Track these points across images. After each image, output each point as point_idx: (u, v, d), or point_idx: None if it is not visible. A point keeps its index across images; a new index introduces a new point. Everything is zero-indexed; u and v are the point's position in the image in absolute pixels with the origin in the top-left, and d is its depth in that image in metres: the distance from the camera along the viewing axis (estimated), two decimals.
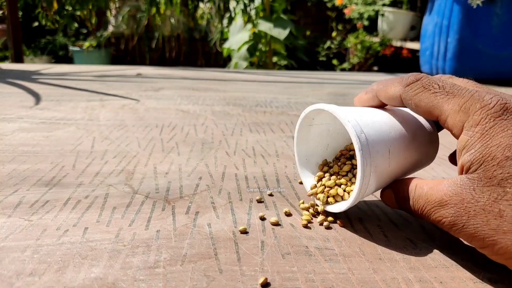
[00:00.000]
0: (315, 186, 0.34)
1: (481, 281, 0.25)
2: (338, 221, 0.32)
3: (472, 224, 0.23)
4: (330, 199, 0.32)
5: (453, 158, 0.33)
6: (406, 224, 0.32)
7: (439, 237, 0.30)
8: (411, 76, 0.28)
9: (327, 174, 0.34)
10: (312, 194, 0.33)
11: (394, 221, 0.33)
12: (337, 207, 0.31)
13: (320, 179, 0.34)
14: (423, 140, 0.31)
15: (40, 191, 0.36)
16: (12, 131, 0.56)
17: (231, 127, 0.63)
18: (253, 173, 0.43)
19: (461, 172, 0.25)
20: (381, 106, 0.32)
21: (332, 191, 0.32)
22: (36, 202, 0.34)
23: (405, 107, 0.30)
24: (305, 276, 0.25)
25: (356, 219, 0.33)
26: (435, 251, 0.28)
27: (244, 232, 0.30)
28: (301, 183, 0.40)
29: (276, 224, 0.31)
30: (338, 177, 0.33)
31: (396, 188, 0.30)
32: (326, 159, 0.35)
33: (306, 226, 0.31)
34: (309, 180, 0.35)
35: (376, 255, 0.27)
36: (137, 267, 0.25)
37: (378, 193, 0.38)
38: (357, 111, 0.30)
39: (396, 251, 0.28)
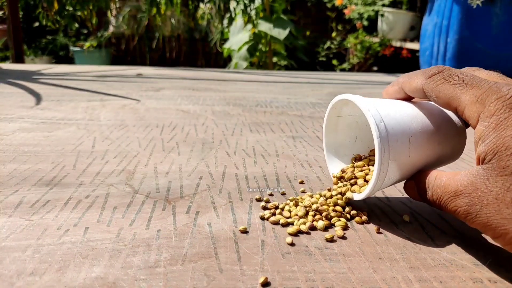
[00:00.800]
0: (340, 176, 0.35)
1: (481, 281, 0.25)
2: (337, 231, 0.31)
3: (485, 213, 0.24)
4: (354, 187, 0.33)
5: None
6: (406, 224, 0.32)
7: (439, 237, 0.30)
8: (434, 68, 0.29)
9: (354, 167, 0.35)
10: (335, 183, 0.35)
11: (394, 221, 0.33)
12: (357, 196, 0.32)
13: (344, 171, 0.35)
14: (448, 133, 0.31)
15: (41, 191, 0.36)
16: (13, 131, 0.57)
17: (231, 127, 0.63)
18: (253, 173, 0.43)
19: (478, 163, 0.25)
20: (407, 98, 0.32)
21: (353, 181, 0.33)
22: (37, 202, 0.34)
23: (429, 99, 0.30)
24: (305, 275, 0.25)
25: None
26: (435, 250, 0.28)
27: (244, 231, 0.30)
28: (301, 182, 0.40)
29: (276, 223, 0.31)
30: (364, 169, 0.34)
31: (418, 179, 0.30)
32: (359, 154, 0.36)
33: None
34: (335, 170, 0.36)
35: (376, 255, 0.27)
36: (137, 266, 0.25)
37: (377, 194, 0.38)
38: (380, 102, 0.30)
39: (396, 251, 0.28)
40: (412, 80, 0.30)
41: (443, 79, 0.27)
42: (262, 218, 0.32)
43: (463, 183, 0.25)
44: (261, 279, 0.24)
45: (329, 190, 0.35)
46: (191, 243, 0.28)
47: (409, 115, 0.30)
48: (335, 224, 0.31)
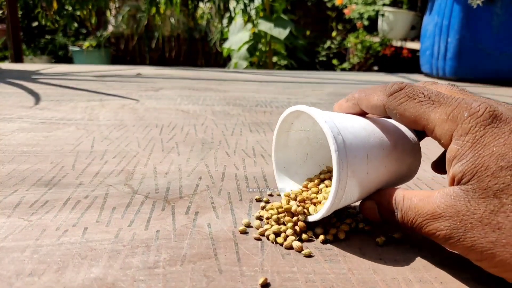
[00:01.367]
0: (289, 196, 0.32)
1: (481, 281, 0.25)
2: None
3: (469, 237, 0.23)
4: (308, 210, 0.30)
5: (436, 166, 0.32)
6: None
7: None
8: (395, 85, 0.27)
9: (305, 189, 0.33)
10: (287, 202, 0.31)
11: None
12: (313, 217, 0.29)
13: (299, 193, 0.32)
14: (404, 150, 0.30)
15: (40, 191, 0.36)
16: (12, 131, 0.56)
17: (231, 127, 0.62)
18: (253, 173, 0.43)
19: (452, 183, 0.24)
20: (362, 114, 0.31)
21: (307, 203, 0.30)
22: (35, 202, 0.34)
23: (388, 116, 0.29)
24: (305, 276, 0.25)
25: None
26: (435, 251, 0.28)
27: (244, 232, 0.30)
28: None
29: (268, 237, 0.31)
30: (316, 189, 0.31)
31: (379, 199, 0.28)
32: (310, 178, 0.34)
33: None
34: (286, 188, 0.34)
35: (376, 255, 0.27)
36: (136, 267, 0.25)
37: None
38: (336, 115, 0.29)
39: (396, 251, 0.28)
40: (371, 96, 0.29)
41: (407, 97, 0.26)
42: (259, 218, 0.32)
43: (440, 205, 0.24)
44: (261, 280, 0.24)
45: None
46: (190, 244, 0.28)
47: (366, 130, 0.28)
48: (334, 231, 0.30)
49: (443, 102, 0.25)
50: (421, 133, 0.32)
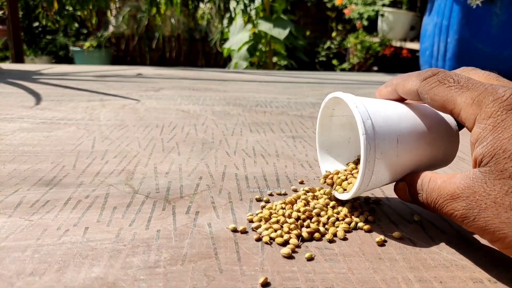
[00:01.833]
0: (328, 176, 0.35)
1: (481, 281, 0.25)
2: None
3: (483, 217, 0.23)
4: (339, 188, 0.33)
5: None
6: (405, 224, 0.32)
7: (439, 237, 0.30)
8: (429, 70, 0.28)
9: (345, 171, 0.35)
10: (324, 183, 0.34)
11: (394, 221, 0.33)
12: (344, 196, 0.32)
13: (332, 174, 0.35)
14: (439, 135, 0.31)
15: (41, 191, 0.36)
16: (13, 131, 0.57)
17: (231, 127, 0.63)
18: (253, 173, 0.43)
19: (474, 166, 0.25)
20: (400, 100, 0.32)
21: (339, 181, 0.33)
22: (36, 202, 0.34)
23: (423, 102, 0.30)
24: (305, 275, 0.25)
25: None
26: (435, 250, 0.28)
27: (244, 231, 0.30)
28: (301, 182, 0.40)
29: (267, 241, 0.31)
30: (353, 171, 0.33)
31: (409, 181, 0.30)
32: (348, 162, 0.36)
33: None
34: (327, 168, 0.36)
35: (376, 255, 0.27)
36: (137, 266, 0.25)
37: (377, 194, 0.38)
38: (370, 101, 0.30)
39: (396, 251, 0.28)
40: (406, 82, 0.30)
41: (438, 82, 0.27)
42: (251, 221, 0.32)
43: (460, 186, 0.25)
44: (261, 279, 0.24)
45: (312, 191, 0.35)
46: (191, 243, 0.28)
47: (398, 114, 0.30)
48: (338, 228, 0.30)
49: (470, 87, 0.25)
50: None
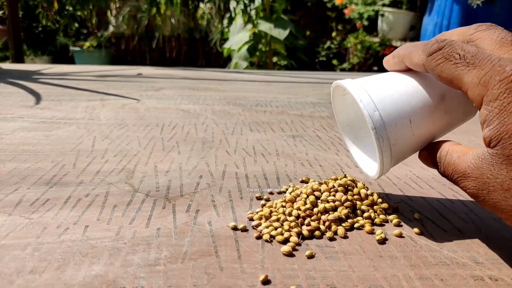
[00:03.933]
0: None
1: (482, 278, 0.25)
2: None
3: (492, 199, 0.24)
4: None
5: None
6: (406, 222, 0.32)
7: (440, 235, 0.30)
8: (434, 44, 0.27)
9: None
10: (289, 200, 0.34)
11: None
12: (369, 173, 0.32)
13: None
14: (455, 99, 0.30)
15: (41, 189, 0.36)
16: (13, 130, 0.56)
17: (231, 126, 0.63)
18: (253, 171, 0.43)
19: (485, 144, 0.25)
20: (408, 70, 0.31)
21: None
22: (36, 200, 0.34)
23: None
24: (306, 273, 0.25)
25: None
26: (436, 248, 0.28)
27: (245, 230, 0.30)
28: (302, 181, 0.40)
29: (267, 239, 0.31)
30: None
31: (430, 151, 0.30)
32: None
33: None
34: (354, 148, 0.36)
35: (376, 253, 0.27)
36: (137, 264, 0.25)
37: (378, 190, 0.38)
38: (375, 83, 0.29)
39: (396, 249, 0.28)
40: (413, 55, 0.29)
41: (444, 58, 0.26)
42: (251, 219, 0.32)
43: (470, 165, 0.25)
44: (262, 277, 0.24)
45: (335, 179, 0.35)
46: (191, 241, 0.28)
47: (407, 93, 0.29)
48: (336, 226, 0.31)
49: (477, 65, 0.25)
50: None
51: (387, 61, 0.32)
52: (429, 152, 0.30)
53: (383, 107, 0.28)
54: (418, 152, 0.31)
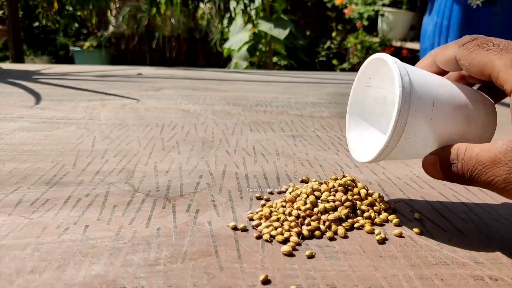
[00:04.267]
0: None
1: (482, 278, 0.25)
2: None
3: None
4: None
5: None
6: (406, 222, 0.32)
7: (440, 235, 0.30)
8: (467, 36, 0.28)
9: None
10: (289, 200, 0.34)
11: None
12: (366, 157, 0.31)
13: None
14: (476, 111, 0.29)
15: (41, 189, 0.36)
16: (13, 130, 0.56)
17: (231, 126, 0.63)
18: (253, 171, 0.43)
19: None
20: (440, 73, 0.31)
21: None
22: (36, 200, 0.34)
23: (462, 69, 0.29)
24: (306, 273, 0.25)
25: None
26: (436, 248, 0.28)
27: (245, 229, 0.30)
28: (302, 181, 0.40)
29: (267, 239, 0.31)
30: None
31: (441, 153, 0.29)
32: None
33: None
34: (353, 138, 0.34)
35: (376, 252, 0.27)
36: (137, 264, 0.25)
37: (378, 190, 0.38)
38: (411, 66, 0.29)
39: (396, 249, 0.28)
40: (445, 50, 0.29)
41: (477, 46, 0.27)
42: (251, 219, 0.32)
43: (502, 150, 0.24)
44: (262, 277, 0.24)
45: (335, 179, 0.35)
46: (191, 241, 0.28)
47: (437, 80, 0.29)
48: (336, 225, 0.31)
49: (510, 50, 0.25)
50: (495, 98, 0.32)
51: (419, 63, 0.32)
52: (440, 155, 0.29)
53: (414, 77, 0.28)
54: (422, 160, 0.30)
